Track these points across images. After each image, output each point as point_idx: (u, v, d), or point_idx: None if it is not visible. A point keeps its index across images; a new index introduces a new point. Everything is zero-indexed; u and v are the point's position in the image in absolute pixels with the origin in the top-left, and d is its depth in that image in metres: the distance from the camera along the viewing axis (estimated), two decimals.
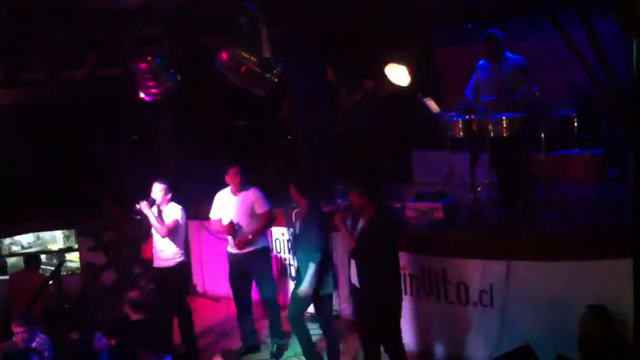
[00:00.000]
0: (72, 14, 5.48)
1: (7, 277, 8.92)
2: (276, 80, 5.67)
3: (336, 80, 7.79)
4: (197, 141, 9.02)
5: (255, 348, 6.95)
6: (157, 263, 6.76)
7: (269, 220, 6.74)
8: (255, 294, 6.94)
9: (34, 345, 6.00)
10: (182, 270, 6.83)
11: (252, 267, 6.70)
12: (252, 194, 6.67)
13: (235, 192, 6.69)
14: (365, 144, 7.62)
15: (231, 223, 6.60)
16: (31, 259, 8.36)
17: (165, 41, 5.41)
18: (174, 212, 6.66)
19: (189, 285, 8.09)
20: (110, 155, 9.15)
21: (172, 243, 6.63)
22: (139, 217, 6.57)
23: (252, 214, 6.63)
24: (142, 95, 6.36)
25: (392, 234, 5.59)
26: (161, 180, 6.77)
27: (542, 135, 6.34)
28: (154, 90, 5.75)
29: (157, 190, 6.65)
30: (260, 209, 6.64)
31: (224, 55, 5.51)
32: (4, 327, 7.03)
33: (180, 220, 6.68)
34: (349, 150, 7.94)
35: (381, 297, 5.46)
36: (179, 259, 6.70)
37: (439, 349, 6.37)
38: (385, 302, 5.49)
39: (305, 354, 6.32)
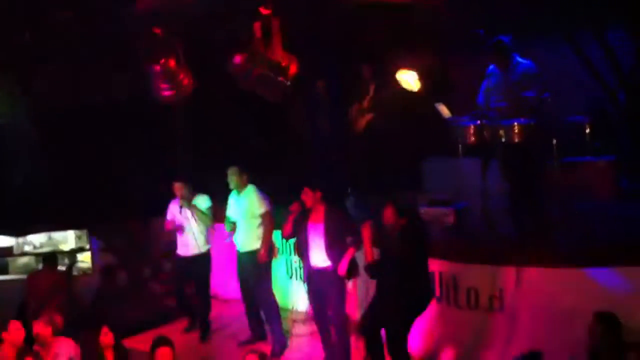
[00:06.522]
0: (87, 20, 5.56)
1: (7, 277, 9.01)
2: (288, 84, 5.70)
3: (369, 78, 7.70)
4: (212, 145, 9.07)
5: (263, 337, 7.17)
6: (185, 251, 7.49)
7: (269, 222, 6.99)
8: None
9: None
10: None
11: (251, 267, 6.99)
12: (250, 195, 7.00)
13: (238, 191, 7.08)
14: (380, 149, 7.64)
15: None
16: (49, 258, 8.43)
17: (178, 44, 5.45)
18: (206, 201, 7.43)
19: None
20: (126, 159, 9.21)
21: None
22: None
23: (251, 214, 6.95)
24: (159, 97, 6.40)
25: (424, 240, 5.71)
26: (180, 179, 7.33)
27: (554, 142, 6.31)
28: (167, 93, 5.80)
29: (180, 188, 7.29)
30: (260, 209, 6.95)
31: (237, 59, 5.55)
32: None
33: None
34: (363, 157, 7.95)
35: (413, 301, 5.57)
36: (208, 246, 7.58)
37: (448, 354, 6.35)
38: (416, 307, 5.62)
39: None
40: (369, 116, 7.60)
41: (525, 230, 6.25)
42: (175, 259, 7.89)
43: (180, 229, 7.44)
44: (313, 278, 6.34)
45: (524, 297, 5.83)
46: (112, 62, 7.06)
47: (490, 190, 6.76)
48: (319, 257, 6.22)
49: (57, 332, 6.10)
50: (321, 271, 6.22)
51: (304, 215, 6.31)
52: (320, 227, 6.20)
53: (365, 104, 7.58)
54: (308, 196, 6.21)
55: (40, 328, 6.08)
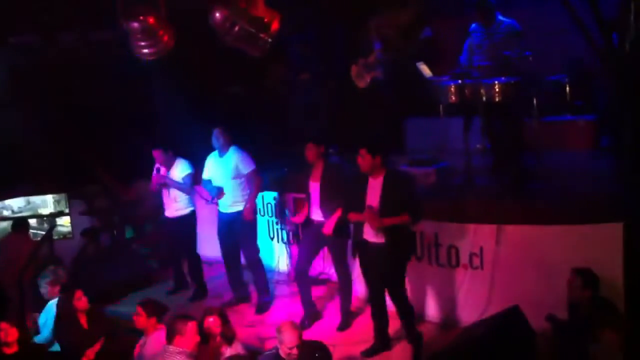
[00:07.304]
0: None
1: None
2: (270, 40, 5.63)
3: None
4: (191, 106, 8.97)
5: (246, 299, 7.22)
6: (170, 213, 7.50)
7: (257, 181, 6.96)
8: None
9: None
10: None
11: (237, 227, 6.95)
12: (234, 155, 6.90)
13: (220, 153, 6.98)
14: (372, 107, 7.60)
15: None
16: (19, 223, 8.38)
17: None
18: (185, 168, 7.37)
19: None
20: (104, 121, 9.09)
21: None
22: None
23: (236, 175, 6.87)
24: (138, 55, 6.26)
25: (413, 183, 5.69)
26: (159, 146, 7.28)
27: (535, 101, 6.33)
28: (146, 51, 5.70)
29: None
30: (246, 169, 6.87)
31: (217, 14, 5.45)
32: None
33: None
34: (350, 114, 7.90)
35: (404, 247, 5.63)
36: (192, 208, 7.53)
37: (430, 311, 6.44)
38: (407, 252, 5.68)
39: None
40: (374, 73, 7.52)
41: (506, 188, 6.29)
42: (160, 221, 7.90)
43: (165, 187, 7.41)
44: (312, 230, 6.38)
45: (504, 254, 5.90)
46: (93, 20, 6.91)
47: (471, 149, 6.79)
48: (317, 213, 6.30)
49: (64, 288, 6.09)
50: (320, 224, 6.26)
51: (307, 173, 6.36)
52: (317, 184, 6.24)
53: (371, 59, 7.48)
54: (312, 151, 6.20)
55: (50, 289, 6.09)
